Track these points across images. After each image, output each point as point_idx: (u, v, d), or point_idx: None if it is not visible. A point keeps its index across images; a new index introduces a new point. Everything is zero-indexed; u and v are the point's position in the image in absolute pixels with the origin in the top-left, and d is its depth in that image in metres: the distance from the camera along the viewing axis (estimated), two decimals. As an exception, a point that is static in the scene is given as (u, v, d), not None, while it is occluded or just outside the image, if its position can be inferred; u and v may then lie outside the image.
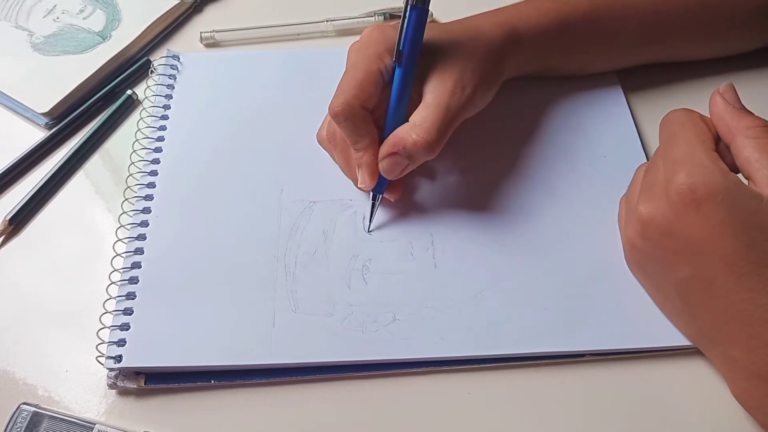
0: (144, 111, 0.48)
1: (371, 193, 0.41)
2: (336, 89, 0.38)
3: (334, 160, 0.43)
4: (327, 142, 0.42)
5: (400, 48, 0.37)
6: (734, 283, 0.31)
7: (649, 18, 0.45)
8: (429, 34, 0.38)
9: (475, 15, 0.43)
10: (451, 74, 0.39)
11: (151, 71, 0.50)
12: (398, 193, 0.42)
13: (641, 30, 0.45)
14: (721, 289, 0.32)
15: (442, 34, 0.40)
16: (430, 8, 0.36)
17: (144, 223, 0.42)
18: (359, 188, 0.41)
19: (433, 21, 0.53)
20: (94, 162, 0.47)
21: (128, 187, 0.44)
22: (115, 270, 0.40)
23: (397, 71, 0.38)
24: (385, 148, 0.38)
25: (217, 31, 0.54)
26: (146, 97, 0.49)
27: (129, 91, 0.50)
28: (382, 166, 0.39)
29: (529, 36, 0.43)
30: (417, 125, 0.38)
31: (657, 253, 0.35)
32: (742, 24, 0.46)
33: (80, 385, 0.37)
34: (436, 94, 0.38)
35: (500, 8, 0.44)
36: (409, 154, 0.38)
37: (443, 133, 0.38)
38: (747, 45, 0.48)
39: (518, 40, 0.42)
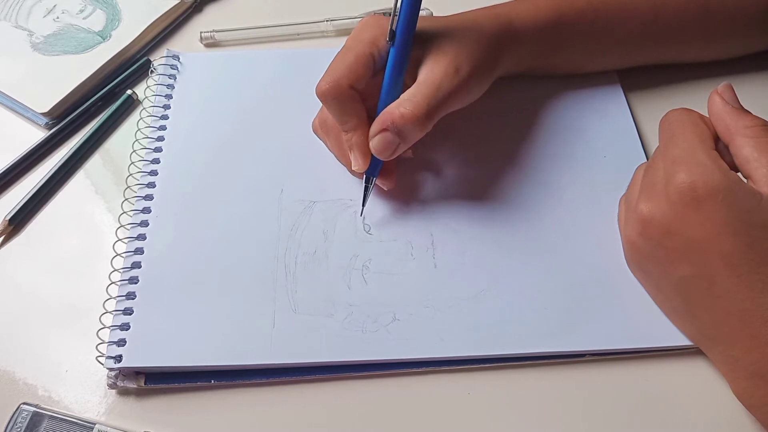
0: (144, 111, 0.48)
1: (365, 176, 0.41)
2: (326, 68, 0.38)
3: (328, 148, 0.43)
4: (320, 129, 0.42)
5: (393, 28, 0.37)
6: (735, 282, 0.31)
7: (649, 19, 0.45)
8: (424, 24, 0.39)
9: (471, 9, 0.43)
10: (445, 56, 0.39)
11: (151, 71, 0.50)
12: (392, 182, 0.41)
13: (640, 31, 0.45)
14: (722, 288, 0.32)
15: (437, 24, 0.40)
16: (430, 8, 0.37)
17: (144, 223, 0.42)
18: (353, 172, 0.41)
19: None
20: (94, 162, 0.47)
21: (128, 187, 0.44)
22: (115, 270, 0.40)
23: (391, 52, 0.38)
24: (375, 126, 0.38)
25: (217, 31, 0.54)
26: (146, 97, 0.49)
27: (129, 91, 0.50)
28: (373, 145, 0.38)
29: (525, 31, 0.43)
30: (405, 100, 0.38)
31: (657, 253, 0.35)
32: (743, 27, 0.46)
33: (80, 385, 0.37)
34: (428, 73, 0.38)
35: (497, 4, 0.44)
36: (398, 130, 0.37)
37: (433, 109, 0.38)
38: (748, 48, 0.48)
39: (514, 34, 0.42)
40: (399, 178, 0.43)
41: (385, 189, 0.42)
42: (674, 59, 0.48)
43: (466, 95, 0.40)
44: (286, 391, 0.37)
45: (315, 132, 0.43)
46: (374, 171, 0.41)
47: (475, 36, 0.40)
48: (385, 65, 0.39)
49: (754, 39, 0.48)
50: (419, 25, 0.38)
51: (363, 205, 0.41)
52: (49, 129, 0.48)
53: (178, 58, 0.51)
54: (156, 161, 0.45)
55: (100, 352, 0.37)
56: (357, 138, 0.39)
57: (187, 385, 0.37)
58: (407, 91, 0.38)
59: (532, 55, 0.44)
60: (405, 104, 0.37)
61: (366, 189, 0.41)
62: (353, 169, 0.40)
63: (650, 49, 0.47)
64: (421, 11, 0.38)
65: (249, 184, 0.44)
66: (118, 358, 0.36)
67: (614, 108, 0.47)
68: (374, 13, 0.54)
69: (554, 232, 0.41)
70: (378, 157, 0.39)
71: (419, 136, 0.38)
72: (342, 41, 0.41)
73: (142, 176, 0.44)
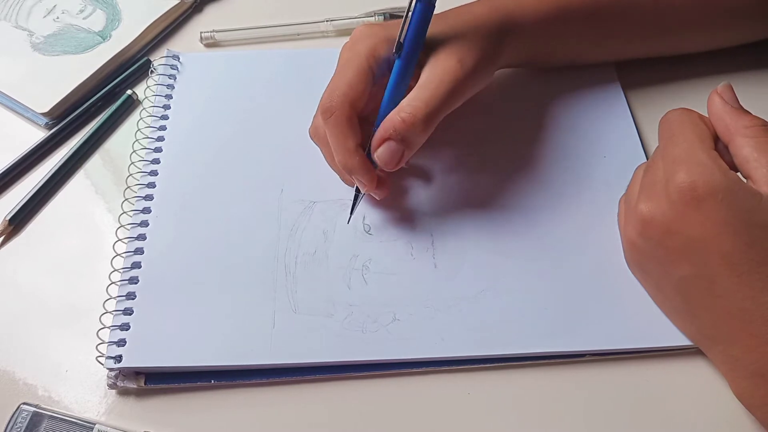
0: (144, 111, 0.48)
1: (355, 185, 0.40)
2: (326, 86, 0.38)
3: (323, 155, 0.43)
4: (315, 136, 0.42)
5: (401, 40, 0.37)
6: (735, 282, 0.31)
7: (649, 9, 0.44)
8: None
9: (469, 3, 0.43)
10: (447, 54, 0.38)
11: (151, 71, 0.50)
12: (385, 191, 0.41)
13: (641, 20, 0.45)
14: (722, 288, 0.32)
15: (436, 25, 0.40)
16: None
17: (144, 223, 0.42)
18: (346, 181, 0.41)
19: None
20: (94, 162, 0.47)
21: (128, 187, 0.44)
22: (115, 270, 0.40)
23: (396, 64, 0.38)
24: (378, 137, 0.38)
25: (217, 31, 0.54)
26: (146, 97, 0.49)
27: (129, 91, 0.50)
28: (378, 155, 0.38)
29: (525, 21, 0.42)
30: (405, 105, 0.37)
31: (657, 252, 0.35)
32: (743, 14, 0.46)
33: (80, 385, 0.37)
34: (429, 74, 0.38)
35: None
36: (402, 137, 0.37)
37: (432, 110, 0.37)
38: (748, 36, 0.48)
39: (513, 25, 0.42)
40: (398, 178, 0.43)
41: (378, 198, 0.41)
42: (675, 49, 0.48)
43: (470, 88, 0.40)
44: (286, 391, 0.37)
45: (312, 138, 0.43)
46: None
47: (474, 29, 0.40)
48: (384, 75, 0.38)
49: (754, 26, 0.47)
50: None
51: (351, 214, 0.41)
52: (49, 129, 0.48)
53: (178, 58, 0.51)
54: (156, 161, 0.45)
55: (100, 352, 0.37)
56: (357, 161, 0.38)
57: (187, 385, 0.37)
58: (407, 96, 0.38)
59: (532, 46, 0.44)
60: (405, 109, 0.37)
61: (355, 198, 0.41)
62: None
63: (651, 38, 0.46)
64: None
65: (249, 184, 0.44)
66: (118, 358, 0.36)
67: (614, 108, 0.47)
68: (375, 18, 0.54)
69: (554, 232, 0.41)
70: (384, 168, 0.38)
71: (422, 140, 0.38)
72: (342, 41, 0.41)
73: (142, 176, 0.44)
